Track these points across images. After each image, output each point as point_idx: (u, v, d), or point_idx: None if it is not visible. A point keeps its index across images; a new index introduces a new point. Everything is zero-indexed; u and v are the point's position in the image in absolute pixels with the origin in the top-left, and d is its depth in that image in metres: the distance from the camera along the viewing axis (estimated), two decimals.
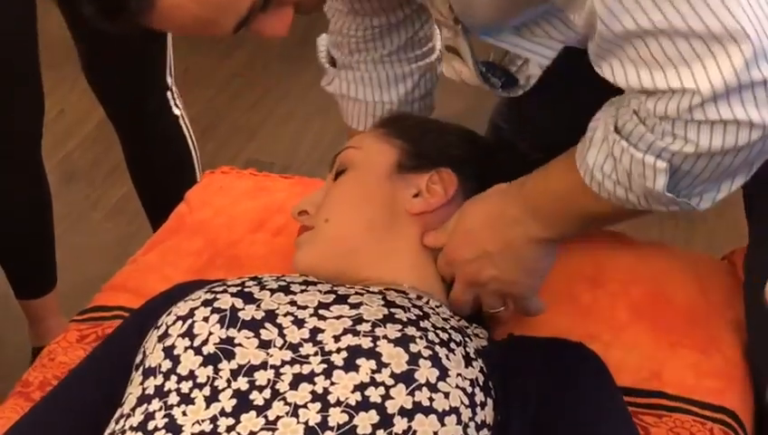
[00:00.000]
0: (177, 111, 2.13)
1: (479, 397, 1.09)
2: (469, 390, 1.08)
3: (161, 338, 1.14)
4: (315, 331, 1.12)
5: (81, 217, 2.75)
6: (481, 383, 1.10)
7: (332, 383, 1.06)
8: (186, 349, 1.11)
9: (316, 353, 1.09)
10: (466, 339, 1.16)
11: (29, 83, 1.94)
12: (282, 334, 1.11)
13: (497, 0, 1.15)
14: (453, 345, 1.12)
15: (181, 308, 1.16)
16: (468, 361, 1.12)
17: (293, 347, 1.10)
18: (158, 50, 2.03)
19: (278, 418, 1.04)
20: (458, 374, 1.09)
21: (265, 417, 1.04)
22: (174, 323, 1.14)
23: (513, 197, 1.22)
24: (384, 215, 1.31)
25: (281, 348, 1.10)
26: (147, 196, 2.29)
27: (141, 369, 1.13)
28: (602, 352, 1.27)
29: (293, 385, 1.06)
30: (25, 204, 2.10)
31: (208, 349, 1.10)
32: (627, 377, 1.30)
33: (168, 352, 1.11)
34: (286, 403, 1.05)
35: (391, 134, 1.37)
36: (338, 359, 1.08)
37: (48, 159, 2.16)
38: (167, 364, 1.11)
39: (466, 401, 1.07)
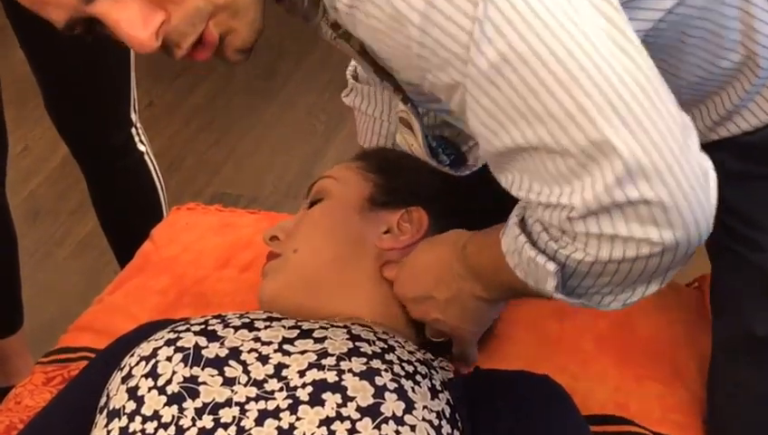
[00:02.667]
0: (141, 148, 2.12)
1: (446, 429, 1.09)
2: (436, 422, 1.08)
3: (125, 379, 1.13)
4: (280, 366, 1.11)
5: (47, 254, 2.73)
6: (447, 416, 1.10)
7: (298, 419, 1.05)
8: (149, 389, 1.10)
9: (281, 389, 1.09)
10: (432, 371, 1.16)
11: None
12: (246, 371, 1.11)
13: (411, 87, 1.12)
14: (419, 378, 1.12)
15: (144, 348, 1.15)
16: (434, 393, 1.12)
17: (258, 383, 1.10)
18: (122, 86, 2.02)
19: None
20: (425, 407, 1.09)
21: None
22: (137, 363, 1.14)
23: (459, 254, 1.19)
24: (351, 249, 1.31)
25: (245, 385, 1.10)
26: (113, 233, 2.28)
27: (105, 411, 1.12)
28: (570, 383, 1.27)
29: (259, 421, 1.06)
30: None
31: (172, 388, 1.10)
32: (594, 408, 1.30)
33: (132, 392, 1.11)
34: None
35: (367, 168, 1.37)
36: (303, 394, 1.08)
37: (13, 197, 2.14)
38: (131, 405, 1.10)
39: (433, 434, 1.07)
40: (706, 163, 0.90)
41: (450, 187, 1.36)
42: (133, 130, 2.08)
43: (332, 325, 1.19)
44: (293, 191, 2.88)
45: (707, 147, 0.93)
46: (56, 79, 1.97)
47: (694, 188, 0.88)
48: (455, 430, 1.11)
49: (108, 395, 1.14)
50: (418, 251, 1.27)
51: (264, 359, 1.12)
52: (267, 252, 1.35)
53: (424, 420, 1.07)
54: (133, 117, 2.06)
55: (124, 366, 1.15)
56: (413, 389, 1.10)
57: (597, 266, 0.94)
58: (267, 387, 1.09)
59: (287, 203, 2.82)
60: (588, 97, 0.86)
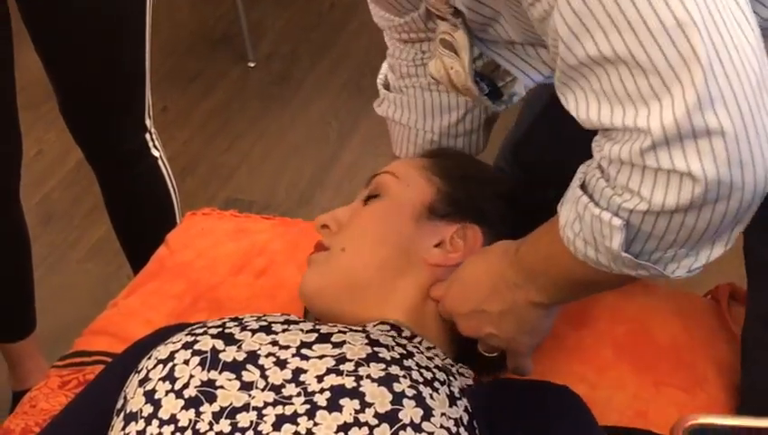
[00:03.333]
0: (155, 153, 2.12)
1: None
2: (453, 429, 1.08)
3: (142, 382, 1.13)
4: (298, 371, 1.11)
5: (60, 258, 2.73)
6: (465, 423, 1.10)
7: (315, 424, 1.05)
8: (167, 392, 1.10)
9: (299, 394, 1.08)
10: (451, 378, 1.15)
11: (6, 125, 1.93)
12: (264, 375, 1.11)
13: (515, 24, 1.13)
14: (437, 384, 1.12)
15: (161, 352, 1.15)
16: (453, 400, 1.11)
17: (276, 388, 1.09)
18: (137, 91, 2.02)
19: None
20: (443, 414, 1.08)
21: None
22: (154, 366, 1.13)
23: (511, 259, 1.18)
24: (400, 257, 1.29)
25: (263, 389, 1.09)
26: (126, 237, 2.28)
27: (122, 414, 1.12)
28: (588, 391, 1.27)
29: (276, 426, 1.05)
30: (4, 248, 2.09)
31: (190, 392, 1.09)
32: (613, 416, 1.30)
33: (149, 396, 1.11)
34: None
35: (432, 169, 1.35)
36: (321, 399, 1.07)
37: (26, 200, 2.14)
38: (148, 409, 1.10)
39: None
40: None
41: (510, 208, 1.34)
42: (147, 136, 2.08)
43: (351, 329, 1.19)
44: (306, 197, 2.88)
45: None
46: (71, 83, 1.97)
47: (760, 135, 0.90)
48: None
49: (125, 398, 1.14)
50: (467, 264, 1.25)
51: (281, 363, 1.12)
52: (317, 240, 1.34)
53: (442, 427, 1.07)
54: (148, 122, 2.06)
55: (141, 369, 1.15)
56: (431, 395, 1.09)
57: (661, 221, 0.95)
58: (285, 392, 1.09)
59: (300, 209, 2.81)
60: (687, 12, 0.88)
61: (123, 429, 1.10)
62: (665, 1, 0.88)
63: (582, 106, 0.97)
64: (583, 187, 1.02)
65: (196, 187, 2.95)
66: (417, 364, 1.13)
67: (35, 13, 1.85)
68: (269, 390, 1.09)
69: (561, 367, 1.36)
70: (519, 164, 1.56)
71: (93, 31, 1.87)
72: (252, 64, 3.44)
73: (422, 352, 1.18)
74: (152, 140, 2.10)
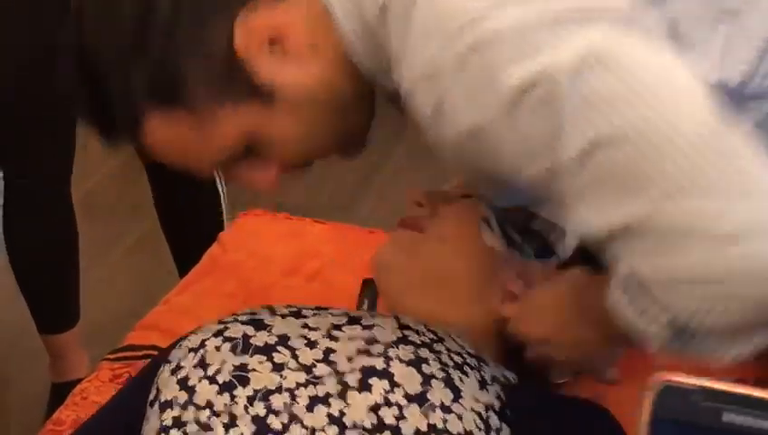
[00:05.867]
0: None
1: (494, 421, 1.08)
2: (484, 414, 1.08)
3: (174, 371, 1.13)
4: (328, 351, 1.12)
5: (103, 252, 2.75)
6: (497, 409, 1.10)
7: (347, 404, 1.06)
8: (200, 379, 1.10)
9: (330, 374, 1.09)
10: (482, 364, 1.15)
11: (59, 124, 1.95)
12: (294, 356, 1.11)
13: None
14: (467, 369, 1.12)
15: (192, 341, 1.16)
16: (483, 384, 1.11)
17: (307, 368, 1.10)
18: None
19: None
20: (472, 397, 1.08)
21: None
22: (186, 355, 1.14)
23: (577, 298, 1.15)
24: (486, 279, 1.26)
25: (294, 370, 1.10)
26: (173, 235, 2.29)
27: (157, 404, 1.12)
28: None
29: (309, 408, 1.06)
30: (54, 242, 2.11)
31: (223, 377, 1.10)
32: None
33: (183, 383, 1.11)
34: (303, 426, 1.05)
35: None
36: (352, 379, 1.08)
37: (73, 193, 2.16)
38: (183, 396, 1.10)
39: (481, 425, 1.07)
40: None
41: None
42: None
43: (381, 314, 1.19)
44: (347, 203, 2.88)
45: None
46: None
47: None
48: (503, 424, 1.09)
49: (157, 388, 1.14)
50: (539, 291, 1.23)
51: (312, 344, 1.12)
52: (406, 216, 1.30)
53: (472, 410, 1.07)
54: None
55: (172, 359, 1.15)
56: (460, 378, 1.09)
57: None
58: (316, 371, 1.09)
59: (342, 215, 2.81)
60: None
61: (159, 416, 1.10)
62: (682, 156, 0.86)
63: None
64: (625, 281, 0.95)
65: (239, 189, 2.95)
66: (448, 349, 1.14)
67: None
68: (300, 370, 1.09)
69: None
70: None
71: None
72: None
73: (454, 339, 1.17)
74: None
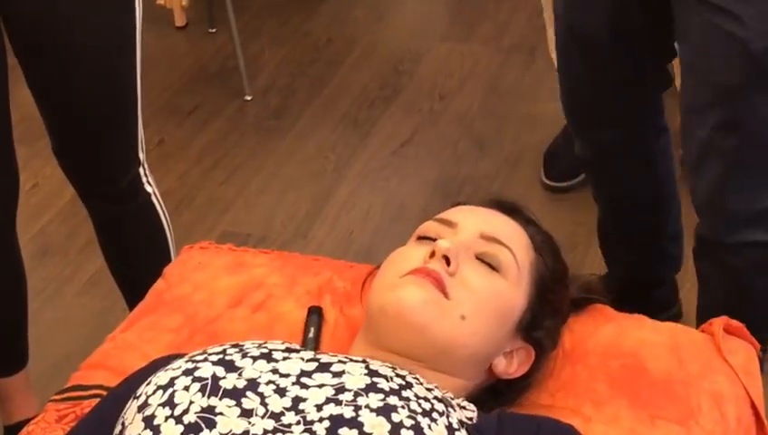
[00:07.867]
0: (149, 189, 2.10)
1: None
2: None
3: (141, 408, 1.13)
4: (297, 399, 1.12)
5: (55, 291, 2.73)
6: None
7: None
8: (166, 418, 1.10)
9: (298, 422, 1.09)
10: (450, 409, 1.16)
11: (2, 158, 1.94)
12: (264, 403, 1.11)
13: None
14: (435, 415, 1.12)
15: (161, 378, 1.16)
16: (451, 431, 1.12)
17: (276, 416, 1.10)
18: (130, 128, 2.00)
19: None
20: None
21: None
22: (154, 392, 1.14)
23: None
24: (488, 352, 1.31)
25: (263, 417, 1.10)
26: (119, 273, 2.27)
27: None
28: (584, 425, 1.27)
29: None
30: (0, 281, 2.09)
31: (189, 418, 1.10)
32: None
33: (149, 421, 1.11)
34: None
35: (537, 261, 1.36)
36: (320, 428, 1.08)
37: (23, 234, 2.15)
38: (147, 434, 1.10)
39: None
40: None
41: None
42: (141, 170, 2.07)
43: (351, 360, 1.20)
44: (303, 231, 2.88)
45: None
46: (63, 120, 1.97)
47: None
48: None
49: (123, 424, 1.14)
50: None
51: (281, 391, 1.12)
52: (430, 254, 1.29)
53: None
54: (141, 156, 2.05)
55: (140, 395, 1.15)
56: (429, 426, 1.10)
57: None
58: (284, 420, 1.09)
59: (297, 242, 2.82)
60: None
61: None
62: None
63: None
64: None
65: (193, 219, 2.95)
66: (416, 395, 1.14)
67: (25, 48, 1.86)
68: (269, 417, 1.10)
69: (557, 401, 1.37)
70: None
71: (84, 66, 1.87)
72: (249, 98, 3.45)
73: (421, 384, 1.18)
74: (145, 175, 2.09)
